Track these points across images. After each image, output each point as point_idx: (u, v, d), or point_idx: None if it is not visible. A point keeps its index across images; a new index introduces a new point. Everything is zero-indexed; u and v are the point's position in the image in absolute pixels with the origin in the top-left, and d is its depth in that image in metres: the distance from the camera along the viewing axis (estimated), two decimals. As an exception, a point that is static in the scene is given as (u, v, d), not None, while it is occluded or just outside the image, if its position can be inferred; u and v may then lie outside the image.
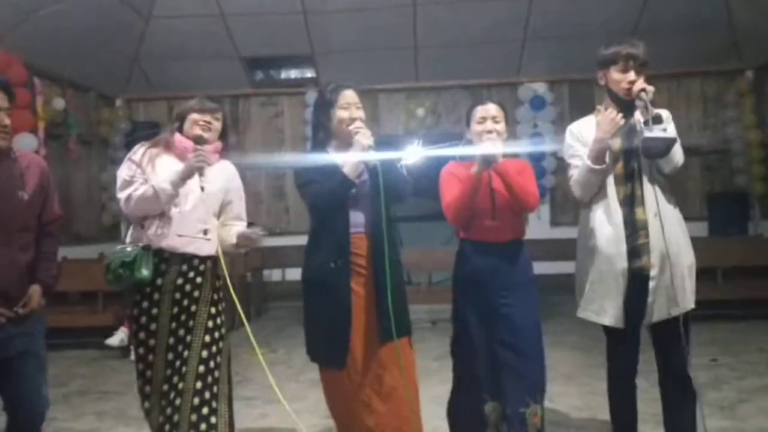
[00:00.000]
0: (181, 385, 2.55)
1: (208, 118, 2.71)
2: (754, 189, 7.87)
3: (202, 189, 2.65)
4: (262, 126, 8.75)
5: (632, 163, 2.64)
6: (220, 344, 2.66)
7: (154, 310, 2.60)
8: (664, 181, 2.65)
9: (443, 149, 2.95)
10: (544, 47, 7.73)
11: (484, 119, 2.81)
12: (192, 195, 2.64)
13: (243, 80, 8.51)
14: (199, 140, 2.64)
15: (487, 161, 2.68)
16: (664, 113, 2.54)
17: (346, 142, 2.64)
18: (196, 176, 2.63)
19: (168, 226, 2.60)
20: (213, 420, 2.55)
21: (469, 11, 7.22)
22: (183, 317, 2.60)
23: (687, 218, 2.71)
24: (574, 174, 2.70)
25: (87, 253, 6.89)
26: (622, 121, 2.59)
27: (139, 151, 2.68)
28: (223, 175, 2.79)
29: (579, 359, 4.95)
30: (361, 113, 2.67)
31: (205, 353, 2.59)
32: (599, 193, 2.66)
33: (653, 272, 2.56)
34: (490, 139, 2.74)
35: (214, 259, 2.74)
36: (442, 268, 5.68)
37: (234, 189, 2.84)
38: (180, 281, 2.61)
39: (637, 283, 2.59)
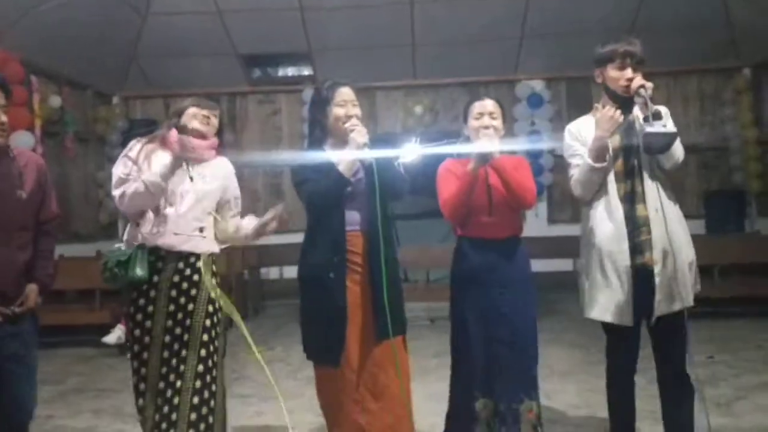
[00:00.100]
0: (179, 384, 2.54)
1: (206, 112, 2.71)
2: (751, 186, 7.89)
3: (191, 179, 2.64)
4: (260, 124, 8.74)
5: (632, 159, 2.64)
6: (217, 342, 2.65)
7: (150, 308, 2.59)
8: (664, 177, 2.65)
9: (440, 147, 2.93)
10: (542, 45, 7.73)
11: (481, 115, 2.81)
12: (188, 193, 2.63)
13: (240, 78, 8.51)
14: (192, 132, 2.63)
15: (484, 157, 2.68)
16: (663, 109, 2.54)
17: (342, 140, 2.62)
18: (188, 172, 2.62)
19: (164, 225, 2.59)
20: (211, 419, 2.55)
21: (466, 9, 7.22)
22: (179, 315, 2.59)
23: (684, 215, 2.71)
24: (575, 173, 2.70)
25: (84, 250, 6.90)
26: (621, 118, 2.58)
27: (135, 147, 2.66)
28: (220, 172, 2.78)
29: (577, 356, 4.95)
30: (357, 110, 2.65)
31: (203, 352, 2.57)
32: (600, 190, 2.66)
33: (657, 268, 2.56)
34: (487, 134, 2.73)
35: (212, 256, 2.73)
36: (439, 265, 5.67)
37: (231, 187, 2.84)
38: (177, 279, 2.60)
39: (641, 280, 2.58)
